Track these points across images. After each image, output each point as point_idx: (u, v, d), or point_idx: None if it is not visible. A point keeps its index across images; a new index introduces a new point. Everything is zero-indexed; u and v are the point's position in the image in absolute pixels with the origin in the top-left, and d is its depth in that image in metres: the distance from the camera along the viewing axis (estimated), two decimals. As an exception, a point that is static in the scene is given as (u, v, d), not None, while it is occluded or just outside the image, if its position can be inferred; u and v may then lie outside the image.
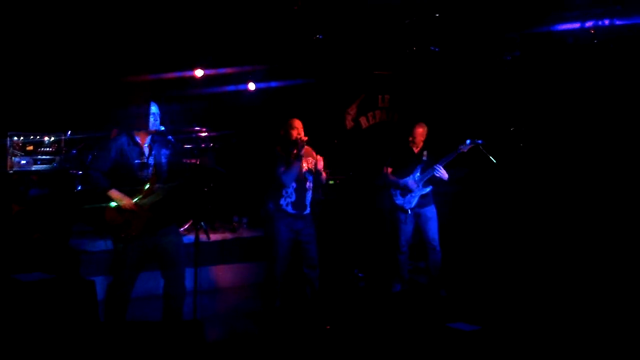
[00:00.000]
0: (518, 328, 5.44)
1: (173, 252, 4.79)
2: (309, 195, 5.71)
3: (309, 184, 5.68)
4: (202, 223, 6.98)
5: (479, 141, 6.29)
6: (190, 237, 6.38)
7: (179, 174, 4.87)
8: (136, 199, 4.67)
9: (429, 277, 6.67)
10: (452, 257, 7.16)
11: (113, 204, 4.63)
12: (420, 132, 6.51)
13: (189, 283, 4.88)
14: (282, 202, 5.57)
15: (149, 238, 4.71)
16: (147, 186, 4.73)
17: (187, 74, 7.85)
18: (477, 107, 7.91)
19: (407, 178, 6.48)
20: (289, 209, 5.57)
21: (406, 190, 6.47)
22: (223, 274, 7.02)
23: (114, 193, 4.62)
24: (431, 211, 6.52)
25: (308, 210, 5.70)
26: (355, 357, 4.97)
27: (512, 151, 7.23)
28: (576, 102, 6.96)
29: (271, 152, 5.62)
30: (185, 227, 7.15)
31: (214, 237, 7.18)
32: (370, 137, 8.80)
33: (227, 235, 7.38)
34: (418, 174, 6.45)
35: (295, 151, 5.47)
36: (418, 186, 6.45)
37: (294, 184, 5.57)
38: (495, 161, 6.29)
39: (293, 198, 5.58)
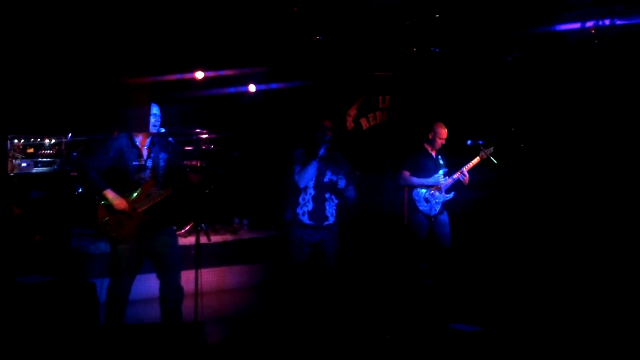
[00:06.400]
0: (519, 330, 5.43)
1: (168, 254, 4.76)
2: (331, 205, 5.34)
3: (329, 194, 5.31)
4: (202, 225, 6.95)
5: (480, 142, 6.28)
6: (191, 238, 6.40)
7: (176, 178, 4.81)
8: (132, 200, 4.64)
9: (436, 279, 6.63)
10: (456, 259, 7.15)
11: (105, 202, 4.60)
12: (445, 133, 6.31)
13: (190, 285, 4.86)
14: (299, 210, 5.27)
15: (143, 240, 4.68)
16: (143, 190, 4.70)
17: (187, 75, 7.85)
18: (477, 107, 7.90)
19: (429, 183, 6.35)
20: (305, 219, 5.25)
21: (432, 194, 6.34)
22: (224, 275, 7.01)
23: (109, 193, 4.59)
24: (446, 216, 6.44)
25: (331, 221, 5.33)
26: (359, 357, 4.96)
27: (513, 152, 7.21)
28: (577, 102, 6.95)
29: (289, 155, 5.38)
30: (186, 229, 7.14)
31: (214, 238, 7.15)
32: (371, 138, 8.79)
33: (228, 237, 7.37)
34: (441, 180, 6.36)
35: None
36: (442, 193, 6.35)
37: (312, 191, 5.27)
38: (496, 162, 6.28)
39: (310, 207, 5.26)
